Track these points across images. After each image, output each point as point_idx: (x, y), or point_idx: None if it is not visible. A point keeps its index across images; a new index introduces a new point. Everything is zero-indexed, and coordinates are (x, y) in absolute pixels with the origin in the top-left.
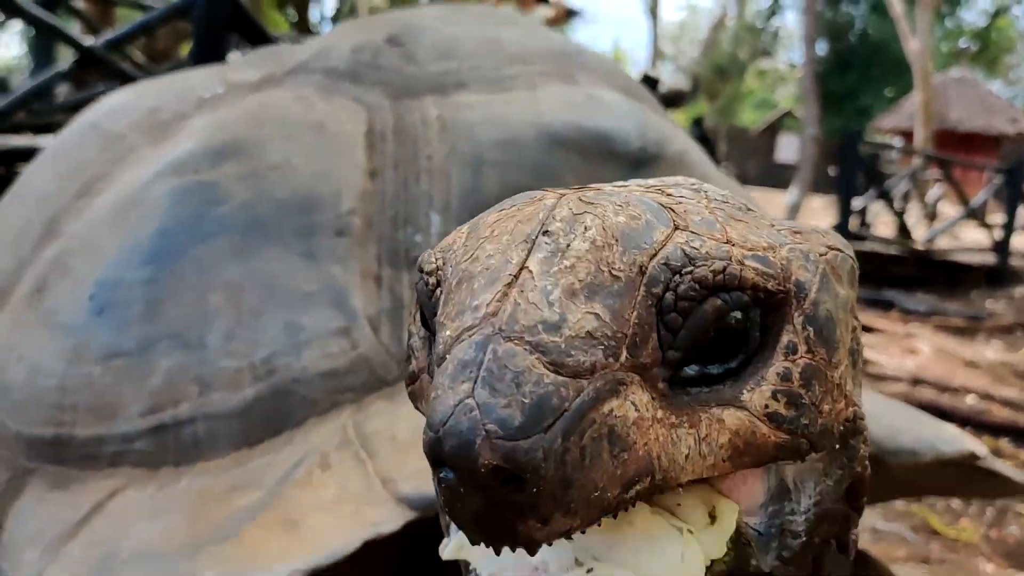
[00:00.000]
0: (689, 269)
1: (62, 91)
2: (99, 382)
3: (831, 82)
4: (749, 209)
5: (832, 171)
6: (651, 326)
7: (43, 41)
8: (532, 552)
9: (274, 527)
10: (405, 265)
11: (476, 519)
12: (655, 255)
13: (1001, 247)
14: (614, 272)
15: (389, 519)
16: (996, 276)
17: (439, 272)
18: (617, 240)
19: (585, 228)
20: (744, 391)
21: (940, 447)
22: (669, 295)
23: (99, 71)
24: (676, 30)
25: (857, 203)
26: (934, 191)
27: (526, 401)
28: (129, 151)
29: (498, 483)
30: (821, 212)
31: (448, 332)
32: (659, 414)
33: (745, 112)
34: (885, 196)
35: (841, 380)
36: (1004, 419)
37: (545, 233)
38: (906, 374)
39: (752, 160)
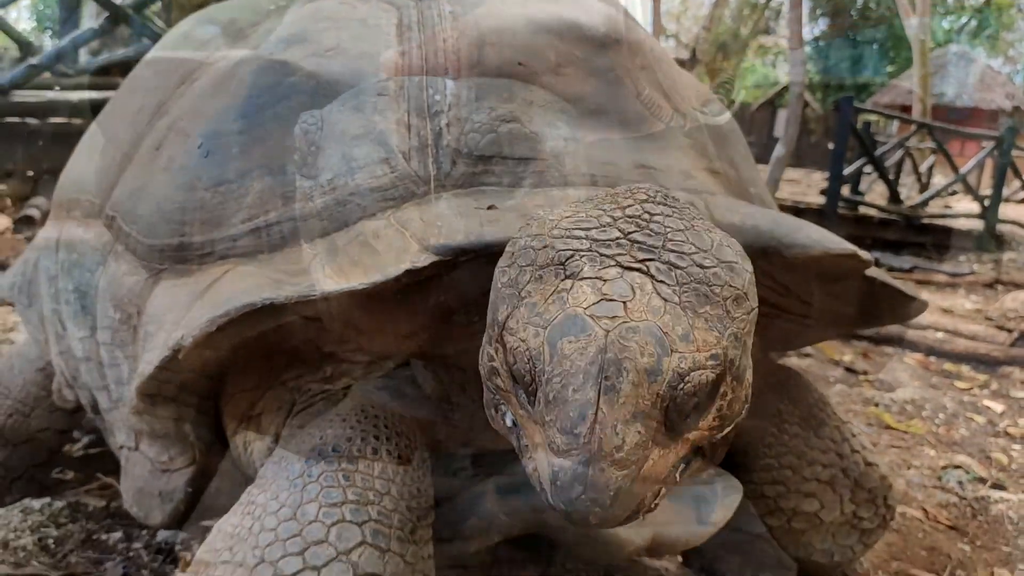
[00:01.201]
0: (681, 385)
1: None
2: (210, 203)
3: (832, 58)
4: (697, 219)
5: (832, 146)
6: (661, 420)
7: (68, 4)
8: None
9: (344, 265)
10: (428, 116)
11: (583, 534)
12: (664, 382)
13: (990, 213)
14: (644, 401)
15: (422, 258)
16: (984, 241)
17: (533, 371)
18: (645, 378)
19: (626, 372)
20: (701, 421)
21: (827, 244)
22: (671, 404)
23: (114, 39)
24: (678, 7)
25: (849, 169)
26: (927, 162)
27: (611, 493)
28: (216, 49)
29: (596, 523)
30: (817, 185)
31: (559, 440)
32: (662, 453)
33: (746, 89)
34: (876, 163)
35: (745, 384)
36: (965, 348)
37: (606, 379)
38: None
39: (752, 136)
